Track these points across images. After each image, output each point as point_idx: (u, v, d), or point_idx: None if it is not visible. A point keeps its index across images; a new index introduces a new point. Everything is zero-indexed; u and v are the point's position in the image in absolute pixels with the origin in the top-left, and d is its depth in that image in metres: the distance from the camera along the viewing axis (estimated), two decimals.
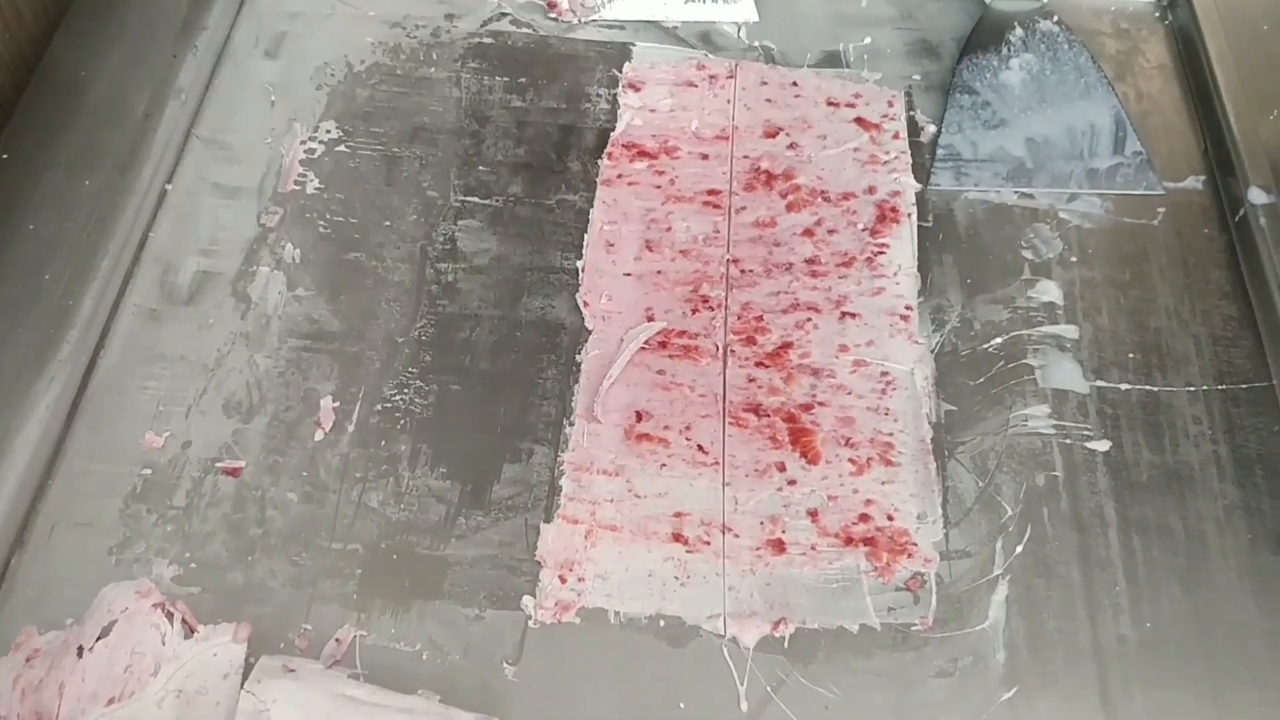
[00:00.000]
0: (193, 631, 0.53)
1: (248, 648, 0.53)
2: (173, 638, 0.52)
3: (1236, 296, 0.68)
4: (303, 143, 0.74)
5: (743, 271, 0.68)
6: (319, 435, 0.62)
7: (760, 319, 0.66)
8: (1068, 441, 0.62)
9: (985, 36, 0.78)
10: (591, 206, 0.71)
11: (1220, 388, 0.64)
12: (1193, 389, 0.64)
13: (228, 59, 0.79)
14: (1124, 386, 0.64)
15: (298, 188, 0.72)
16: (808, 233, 0.70)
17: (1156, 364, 0.65)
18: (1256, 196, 0.70)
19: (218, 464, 0.61)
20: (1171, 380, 0.65)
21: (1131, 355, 0.66)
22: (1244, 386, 0.64)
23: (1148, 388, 0.64)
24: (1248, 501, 0.60)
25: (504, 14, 0.82)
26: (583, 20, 0.74)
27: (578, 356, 0.65)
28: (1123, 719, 0.54)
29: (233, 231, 0.70)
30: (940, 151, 0.73)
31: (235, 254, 0.69)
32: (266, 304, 0.67)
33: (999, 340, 0.66)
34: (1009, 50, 0.77)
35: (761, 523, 0.59)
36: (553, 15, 0.78)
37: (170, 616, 0.53)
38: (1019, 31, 0.77)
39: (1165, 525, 0.59)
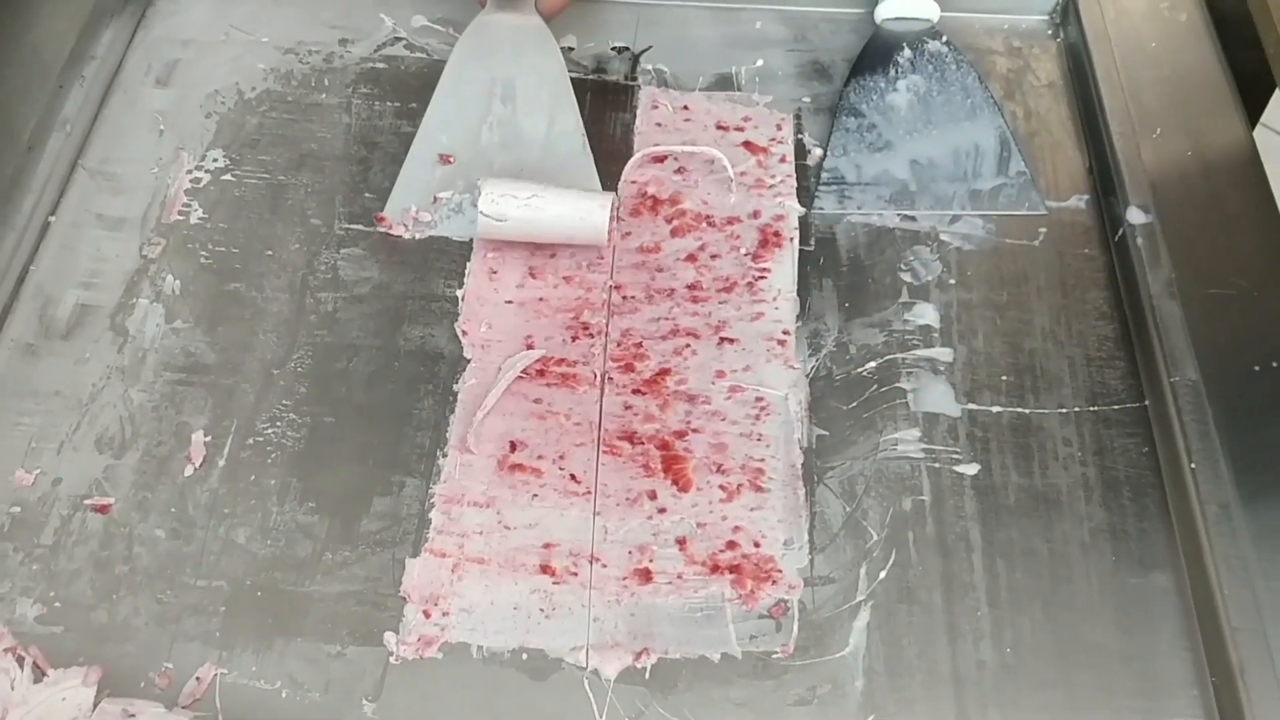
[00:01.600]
0: (44, 675, 0.53)
1: (100, 690, 0.53)
2: (22, 682, 0.52)
3: (1114, 317, 0.69)
4: (189, 172, 0.74)
5: (625, 298, 0.69)
6: (189, 470, 0.62)
7: (640, 345, 0.67)
8: (936, 465, 0.63)
9: (874, 57, 0.78)
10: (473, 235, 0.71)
11: (1092, 409, 0.65)
12: (1064, 411, 0.65)
13: (118, 88, 0.78)
14: (995, 409, 0.65)
15: (181, 218, 0.72)
16: (691, 258, 0.70)
17: (1029, 386, 0.66)
18: (1135, 216, 0.70)
19: (87, 501, 0.60)
20: (1044, 402, 0.65)
21: (1005, 378, 0.66)
22: (1115, 407, 0.65)
23: (1019, 410, 0.65)
24: (1113, 524, 0.61)
25: (398, 38, 0.82)
26: (417, 235, 0.71)
27: (455, 386, 0.65)
28: None
29: (114, 263, 0.70)
30: (824, 175, 0.74)
31: (115, 286, 0.69)
32: (144, 337, 0.66)
33: (873, 364, 0.67)
34: (896, 71, 0.77)
35: (630, 552, 0.59)
36: (381, 229, 0.71)
37: (21, 661, 0.53)
38: (907, 52, 0.78)
39: (1030, 548, 0.60)
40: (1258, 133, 0.77)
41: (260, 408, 0.64)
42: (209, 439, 0.63)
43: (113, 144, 0.75)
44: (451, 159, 0.72)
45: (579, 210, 0.67)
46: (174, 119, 0.77)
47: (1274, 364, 0.64)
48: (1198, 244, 0.69)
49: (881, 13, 0.79)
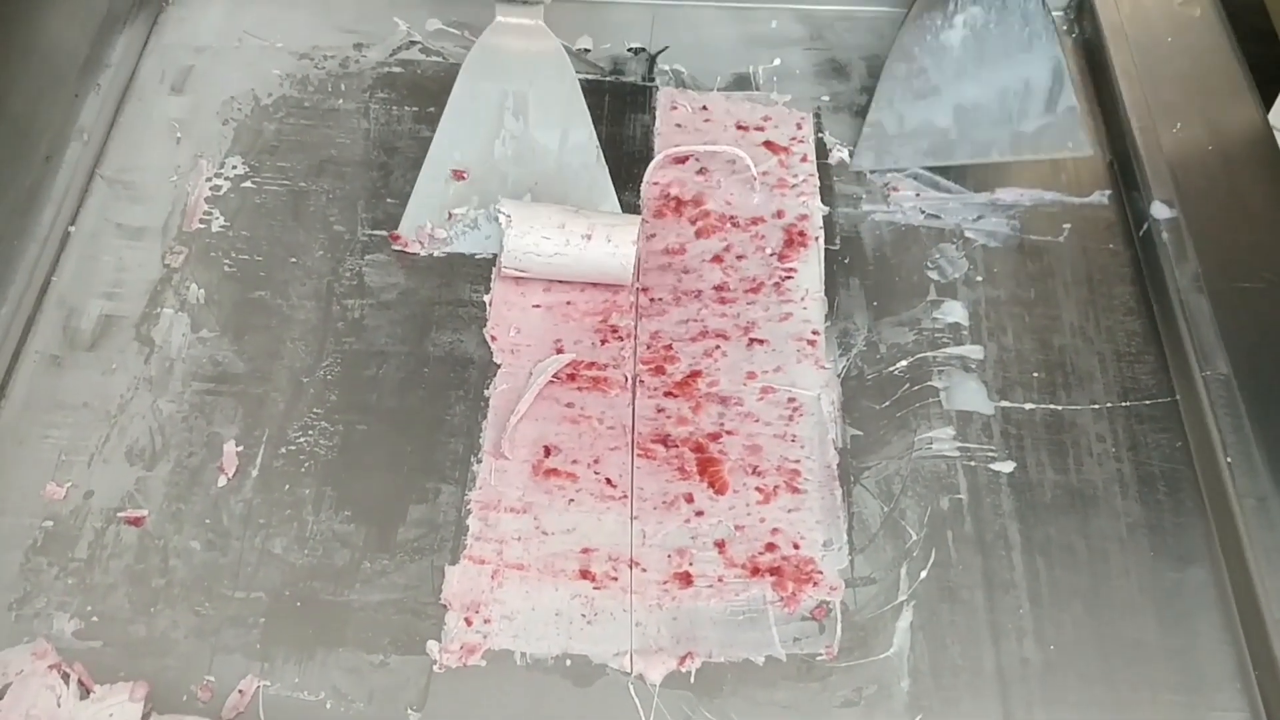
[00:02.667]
0: (89, 692, 0.52)
1: (146, 704, 0.53)
2: (69, 699, 0.52)
3: (1141, 312, 0.69)
4: (208, 180, 0.73)
5: (652, 300, 0.68)
6: (222, 481, 0.61)
7: (669, 348, 0.66)
8: (972, 463, 0.63)
9: None
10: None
11: (1124, 404, 0.65)
12: (1097, 407, 0.65)
13: (133, 96, 0.78)
14: (1028, 406, 0.65)
15: (203, 226, 0.71)
16: (717, 259, 0.70)
17: (1061, 382, 0.66)
18: (1159, 211, 0.70)
19: (120, 514, 0.60)
20: (1076, 398, 0.65)
21: (1036, 374, 0.66)
22: (1147, 403, 0.65)
23: (1052, 407, 0.65)
24: (1150, 519, 0.61)
25: (413, 42, 0.81)
26: (434, 253, 0.70)
27: (486, 392, 0.65)
28: None
29: (137, 273, 0.69)
30: (865, 129, 0.74)
31: (139, 296, 0.68)
32: (170, 347, 0.66)
33: (904, 363, 0.66)
34: (956, 5, 0.74)
35: (669, 555, 0.59)
36: (397, 247, 0.70)
37: (66, 678, 0.52)
38: None
39: (1068, 545, 0.60)
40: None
41: (291, 416, 0.64)
42: (241, 449, 0.62)
43: (130, 152, 0.75)
44: (465, 174, 0.71)
45: (602, 268, 0.66)
46: (191, 126, 0.76)
47: None
48: (1222, 238, 0.69)
49: None
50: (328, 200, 0.73)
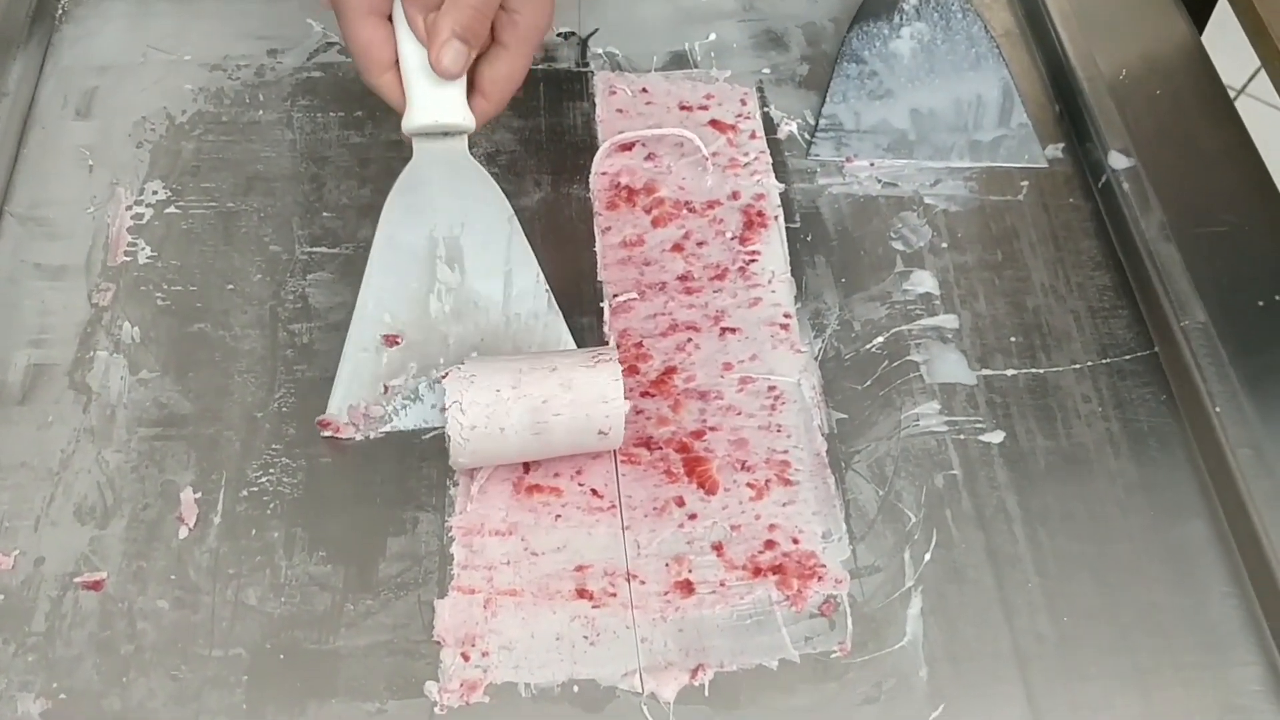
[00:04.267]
0: None
1: None
2: None
3: (1110, 266, 0.68)
4: (128, 208, 0.69)
5: (615, 295, 0.66)
6: (183, 532, 0.57)
7: (640, 345, 0.64)
8: (961, 437, 0.61)
9: (878, 3, 0.75)
10: None
11: (1105, 362, 0.64)
12: (1078, 366, 0.64)
13: (35, 125, 0.72)
14: (1010, 372, 0.64)
15: (128, 258, 0.67)
16: (677, 248, 0.68)
17: (1039, 345, 0.65)
18: (1117, 161, 0.70)
19: (76, 579, 0.56)
20: (1056, 360, 0.64)
21: (1013, 339, 0.65)
22: (1128, 358, 0.64)
23: (1034, 371, 0.64)
24: (1145, 478, 0.60)
25: (330, 43, 0.77)
26: (370, 433, 0.60)
27: None
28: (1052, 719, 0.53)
29: (63, 315, 0.64)
30: (822, 121, 0.72)
31: (68, 341, 0.63)
32: (109, 392, 0.62)
33: (881, 339, 0.65)
34: (901, 19, 0.75)
35: (667, 564, 0.57)
36: (326, 433, 0.60)
37: None
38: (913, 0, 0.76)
39: (1068, 512, 0.59)
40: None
41: (249, 456, 0.60)
42: (199, 495, 0.58)
43: (39, 186, 0.70)
44: (399, 339, 0.61)
45: (590, 440, 0.57)
46: (102, 152, 0.71)
47: (1277, 297, 0.64)
48: (1183, 183, 0.69)
49: None
50: (260, 219, 0.69)
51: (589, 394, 0.55)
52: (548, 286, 0.62)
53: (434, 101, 0.59)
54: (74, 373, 0.62)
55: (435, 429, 0.60)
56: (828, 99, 0.73)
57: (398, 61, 0.59)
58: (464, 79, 0.59)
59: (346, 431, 0.60)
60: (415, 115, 0.60)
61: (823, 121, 0.72)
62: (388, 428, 0.61)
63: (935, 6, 0.75)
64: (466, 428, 0.55)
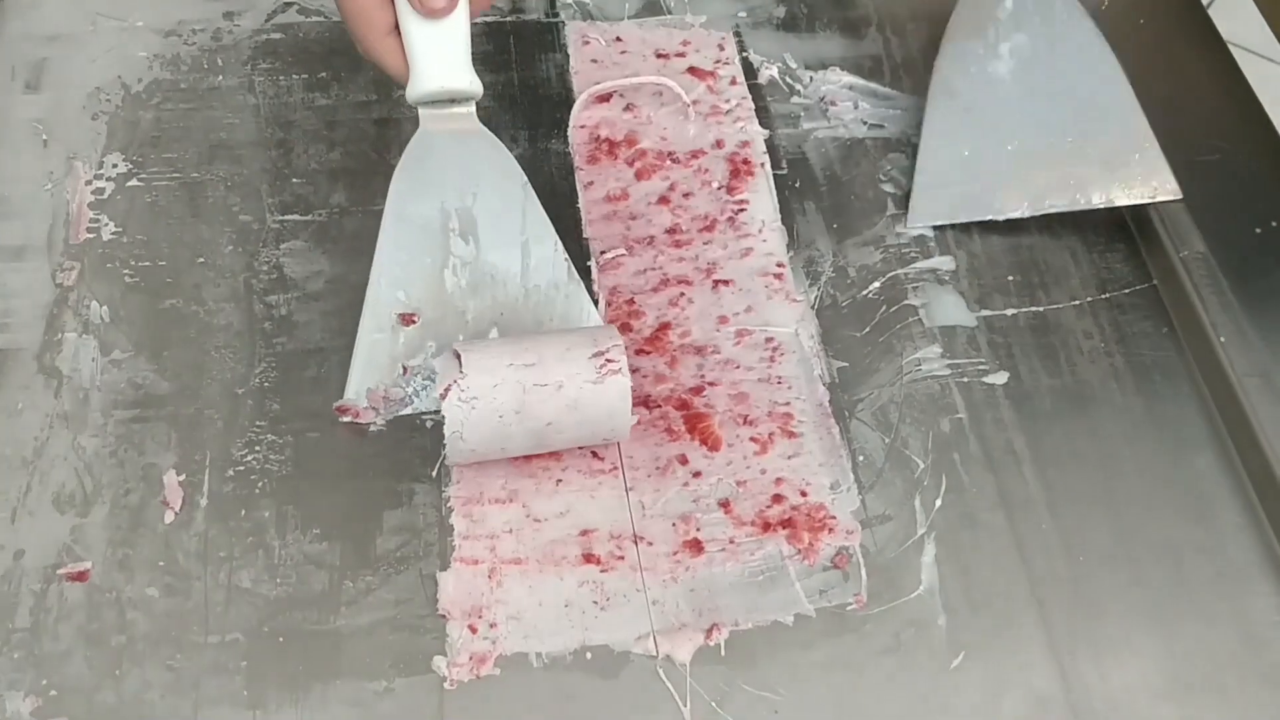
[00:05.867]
0: None
1: None
2: None
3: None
4: (88, 183, 0.66)
5: (603, 252, 0.64)
6: (169, 516, 0.55)
7: (631, 302, 0.62)
8: (965, 379, 0.60)
9: (968, 17, 0.66)
10: None
11: (1104, 297, 0.63)
12: (1078, 303, 0.63)
13: None
14: (1010, 312, 0.63)
15: (91, 235, 0.64)
16: (663, 200, 0.66)
17: (1037, 283, 0.64)
18: None
19: (59, 570, 0.53)
20: (1055, 297, 0.63)
21: (1011, 278, 0.64)
22: (1127, 291, 0.63)
23: (1034, 309, 0.63)
24: (1152, 412, 0.59)
25: (288, 3, 0.74)
26: (388, 415, 0.58)
27: None
28: (1074, 661, 0.52)
29: (26, 298, 0.61)
30: (919, 178, 0.64)
31: (34, 323, 0.60)
32: (81, 375, 0.59)
33: (877, 284, 0.63)
34: (996, 32, 0.66)
35: (674, 524, 0.55)
36: (346, 419, 0.58)
37: None
38: (1008, 5, 0.66)
39: (1077, 450, 0.58)
40: None
41: (232, 434, 0.57)
42: (183, 478, 0.56)
43: None
44: (415, 318, 0.58)
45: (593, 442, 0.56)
46: (56, 126, 0.68)
47: (1274, 223, 0.63)
48: (1171, 112, 0.67)
49: None
50: (226, 189, 0.66)
51: (596, 412, 0.53)
52: (566, 255, 0.59)
53: (439, 67, 0.56)
54: (42, 356, 0.59)
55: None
56: (921, 149, 0.64)
57: (397, 26, 0.56)
58: (468, 44, 0.56)
59: (366, 416, 0.58)
60: (421, 82, 0.56)
61: (919, 178, 0.64)
62: (409, 410, 0.58)
63: (1035, 9, 0.65)
64: (465, 451, 0.53)
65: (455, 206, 0.59)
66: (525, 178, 0.59)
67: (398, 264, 0.58)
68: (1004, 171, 0.64)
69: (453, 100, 0.58)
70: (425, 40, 0.55)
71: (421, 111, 0.58)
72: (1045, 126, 0.64)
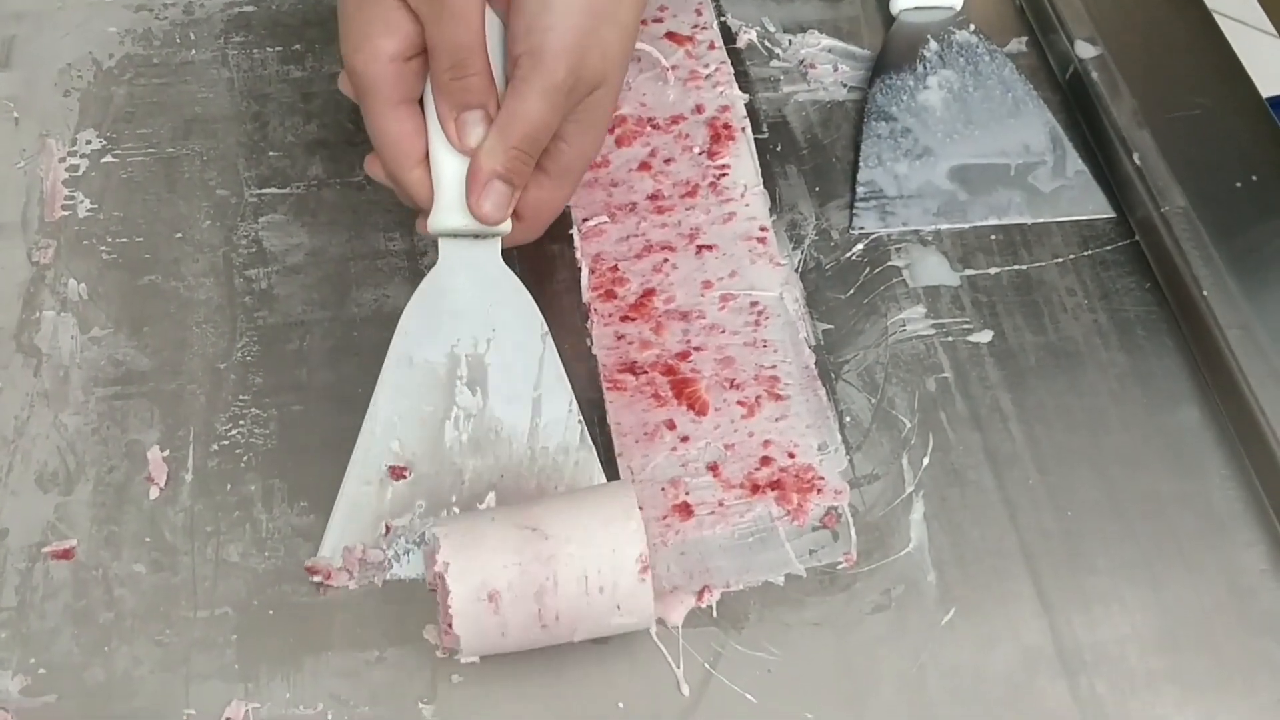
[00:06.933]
0: None
1: None
2: None
3: (1084, 156, 0.67)
4: (61, 160, 0.65)
5: (585, 220, 0.63)
6: (154, 492, 0.54)
7: (615, 269, 0.62)
8: (950, 339, 0.60)
9: (897, 53, 0.69)
10: None
11: (1087, 254, 0.63)
12: (1060, 260, 0.63)
13: None
14: (993, 270, 0.63)
15: (67, 213, 0.63)
16: (644, 166, 0.65)
17: (1020, 241, 0.64)
18: (1084, 50, 0.68)
19: (44, 549, 0.53)
20: (1038, 255, 0.63)
21: (993, 237, 0.64)
22: (1109, 248, 0.63)
23: (1016, 267, 0.63)
24: (1137, 367, 0.59)
25: None
26: (363, 580, 0.52)
27: None
28: (1064, 615, 0.52)
29: (2, 276, 0.61)
30: (860, 189, 0.65)
31: (11, 302, 0.60)
32: (60, 353, 0.58)
33: (860, 246, 0.63)
34: (925, 67, 0.69)
35: (663, 489, 0.55)
36: (317, 579, 0.52)
37: None
38: (934, 45, 0.69)
39: (1063, 407, 0.58)
40: None
41: (215, 409, 0.57)
42: (167, 453, 0.56)
43: None
44: (407, 471, 0.54)
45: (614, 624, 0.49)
46: (28, 103, 0.67)
47: (1254, 177, 0.63)
48: (1151, 68, 0.68)
49: (899, 3, 0.71)
50: (203, 163, 0.65)
51: (611, 625, 0.49)
52: (581, 417, 0.55)
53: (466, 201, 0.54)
54: (20, 335, 0.59)
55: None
56: (861, 164, 0.65)
57: (427, 155, 0.53)
58: None
59: (339, 579, 0.52)
60: (444, 216, 0.54)
61: (860, 189, 0.64)
62: (387, 576, 0.52)
63: (960, 51, 0.69)
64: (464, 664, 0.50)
65: (466, 352, 0.55)
66: (546, 327, 0.56)
67: (396, 410, 0.54)
68: (939, 190, 0.65)
69: (476, 235, 0.55)
70: (455, 171, 0.53)
71: (442, 244, 0.55)
72: (978, 152, 0.66)
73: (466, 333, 0.55)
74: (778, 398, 0.58)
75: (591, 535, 0.47)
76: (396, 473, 0.54)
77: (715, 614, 0.52)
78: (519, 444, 0.54)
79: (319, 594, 0.52)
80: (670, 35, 0.71)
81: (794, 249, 0.63)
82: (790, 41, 0.71)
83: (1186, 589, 0.53)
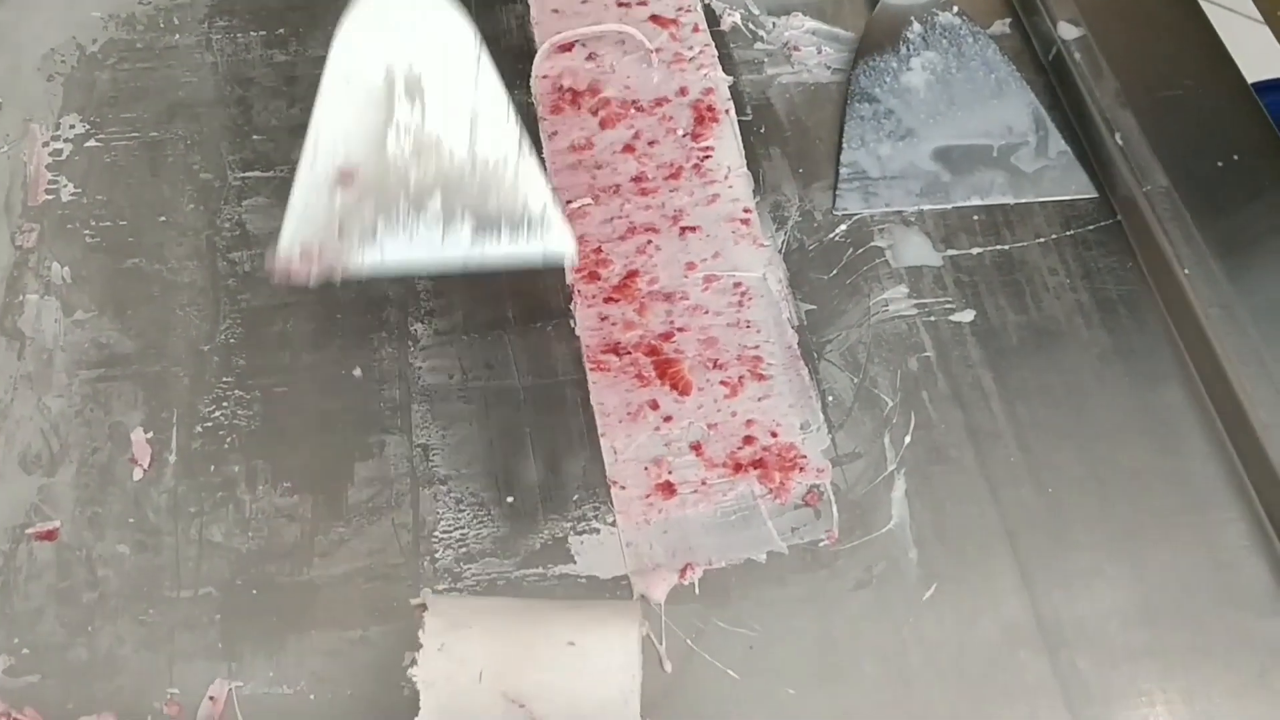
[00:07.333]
0: None
1: None
2: None
3: (1067, 137, 0.67)
4: (45, 145, 0.65)
5: (569, 202, 0.63)
6: (137, 474, 0.55)
7: (599, 251, 0.62)
8: (932, 318, 0.60)
9: (880, 35, 0.69)
10: None
11: (1069, 234, 0.63)
12: (1043, 240, 0.63)
13: None
14: (975, 251, 0.63)
15: (50, 197, 0.63)
16: (628, 149, 0.65)
17: (1002, 221, 0.64)
18: (1067, 31, 0.68)
19: (28, 530, 0.53)
20: (1020, 235, 0.63)
21: (976, 217, 0.64)
22: (1091, 228, 0.63)
23: (999, 247, 0.63)
24: (1118, 345, 0.59)
25: None
26: (322, 276, 0.53)
27: (411, 327, 0.59)
28: (1045, 590, 0.52)
29: None
30: (843, 170, 0.65)
31: None
32: (44, 336, 0.58)
33: (843, 227, 0.63)
34: (908, 49, 0.69)
35: (646, 468, 0.55)
36: (278, 280, 0.54)
37: None
38: (917, 27, 0.69)
39: (1044, 385, 0.58)
40: None
41: (199, 391, 0.57)
42: (150, 435, 0.56)
43: None
44: (353, 175, 0.55)
45: None
46: (10, 88, 0.67)
47: (1235, 157, 0.64)
48: (1134, 50, 0.68)
49: None
50: (186, 147, 0.65)
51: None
52: (523, 129, 0.55)
53: None
54: (4, 319, 0.59)
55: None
56: (844, 145, 0.65)
57: None
58: None
59: (300, 273, 0.53)
60: None
61: (844, 170, 0.65)
62: (345, 271, 0.53)
63: (943, 33, 0.69)
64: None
65: (403, 70, 0.55)
66: (484, 48, 0.55)
67: (339, 123, 0.55)
68: (922, 171, 0.65)
69: None
70: None
71: None
72: (960, 133, 0.66)
73: (401, 51, 0.55)
74: (761, 377, 0.58)
75: None
76: (345, 176, 0.54)
77: (698, 591, 0.52)
78: (460, 153, 0.55)
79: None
80: (654, 18, 0.71)
81: (777, 230, 0.63)
82: (774, 24, 0.71)
83: (1167, 564, 0.53)
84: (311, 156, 0.55)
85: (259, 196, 0.64)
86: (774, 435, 0.56)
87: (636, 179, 0.64)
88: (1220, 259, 0.59)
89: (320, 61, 0.67)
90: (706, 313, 0.60)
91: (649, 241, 0.62)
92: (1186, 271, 0.59)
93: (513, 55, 0.69)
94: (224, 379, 0.57)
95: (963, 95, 0.67)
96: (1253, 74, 0.69)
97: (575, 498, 0.54)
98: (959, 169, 0.65)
